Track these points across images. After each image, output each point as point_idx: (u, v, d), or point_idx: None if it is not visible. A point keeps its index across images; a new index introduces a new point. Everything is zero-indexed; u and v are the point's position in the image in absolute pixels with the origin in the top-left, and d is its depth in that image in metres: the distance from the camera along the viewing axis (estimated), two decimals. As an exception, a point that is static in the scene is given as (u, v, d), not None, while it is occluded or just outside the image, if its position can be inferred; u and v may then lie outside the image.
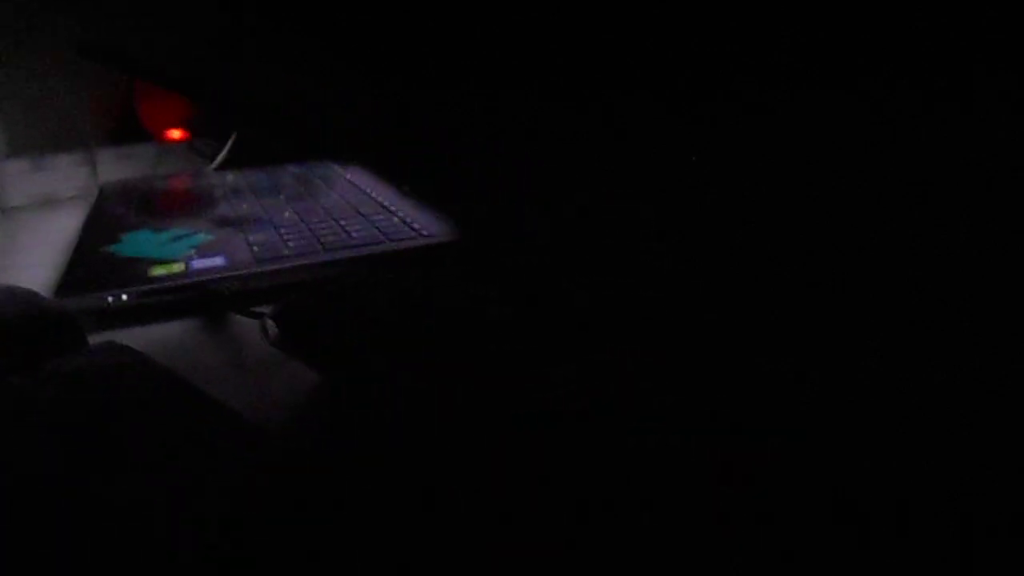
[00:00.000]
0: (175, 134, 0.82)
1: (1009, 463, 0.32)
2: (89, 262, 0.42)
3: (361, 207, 0.53)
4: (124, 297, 0.38)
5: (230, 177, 0.68)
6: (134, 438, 0.24)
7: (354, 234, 0.45)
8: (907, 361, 0.38)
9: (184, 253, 0.43)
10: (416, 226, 0.47)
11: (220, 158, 0.75)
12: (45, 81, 0.73)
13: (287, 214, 0.52)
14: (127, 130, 0.79)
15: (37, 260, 0.51)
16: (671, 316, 0.44)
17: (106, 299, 0.38)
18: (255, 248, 0.44)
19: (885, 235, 0.40)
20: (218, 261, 0.42)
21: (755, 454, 0.34)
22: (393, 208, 0.52)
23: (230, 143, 0.75)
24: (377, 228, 0.47)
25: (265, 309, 0.36)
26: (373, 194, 0.57)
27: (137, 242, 0.46)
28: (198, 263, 0.41)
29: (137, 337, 0.37)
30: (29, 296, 0.32)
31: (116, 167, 0.75)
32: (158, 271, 0.40)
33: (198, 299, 0.39)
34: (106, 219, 0.53)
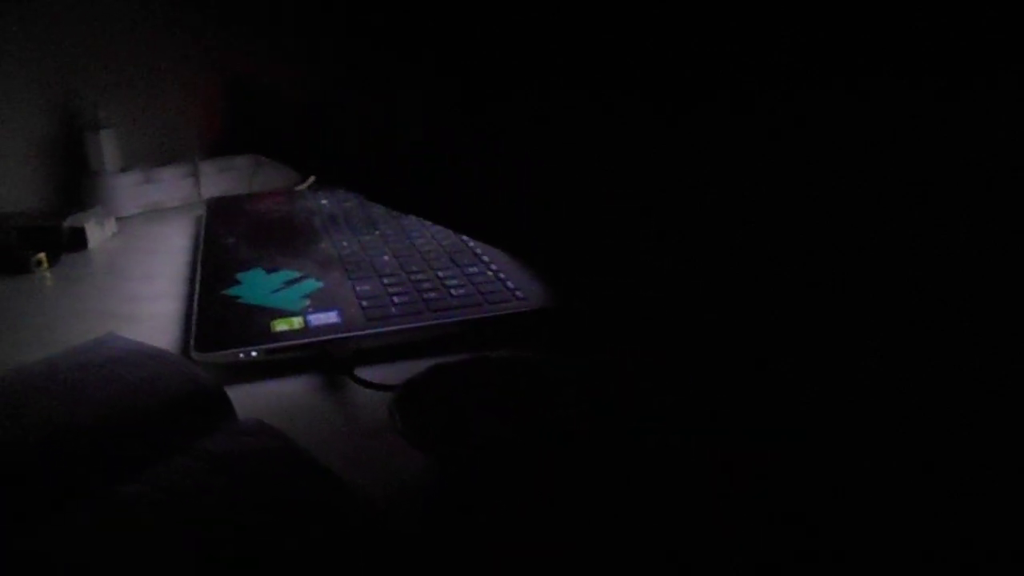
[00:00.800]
0: (269, 145, 0.86)
1: (1009, 463, 0.33)
2: (216, 311, 0.46)
3: (454, 253, 0.56)
4: (254, 354, 0.42)
5: (324, 202, 0.72)
6: (269, 524, 0.28)
7: (454, 292, 0.49)
8: (907, 361, 0.38)
9: (300, 305, 0.47)
10: (511, 284, 0.50)
11: (310, 180, 0.79)
12: (155, 97, 0.77)
13: (387, 258, 0.56)
14: (231, 142, 0.83)
15: (161, 290, 0.56)
16: (671, 316, 0.45)
17: (238, 355, 0.42)
18: (364, 303, 0.47)
19: (885, 235, 0.40)
20: (333, 318, 0.45)
21: (755, 454, 0.36)
22: (485, 258, 0.55)
23: (324, 163, 0.79)
24: (474, 285, 0.50)
25: (381, 379, 0.40)
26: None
27: (253, 285, 0.51)
28: (315, 319, 0.45)
29: (263, 392, 0.41)
30: (184, 367, 0.37)
31: (217, 179, 0.80)
32: (280, 326, 0.44)
33: (317, 359, 0.43)
34: (219, 250, 0.58)
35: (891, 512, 0.32)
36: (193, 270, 0.59)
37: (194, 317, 0.46)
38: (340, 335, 0.43)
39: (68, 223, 0.64)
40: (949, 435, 0.35)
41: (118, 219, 0.72)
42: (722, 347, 0.43)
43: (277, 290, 0.50)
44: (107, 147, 0.73)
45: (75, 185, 0.74)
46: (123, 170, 0.74)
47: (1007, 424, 0.34)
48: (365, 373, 0.41)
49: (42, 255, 0.60)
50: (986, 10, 0.32)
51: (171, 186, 0.77)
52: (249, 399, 0.40)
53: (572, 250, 0.56)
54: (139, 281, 0.58)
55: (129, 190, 0.74)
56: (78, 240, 0.64)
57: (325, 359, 0.42)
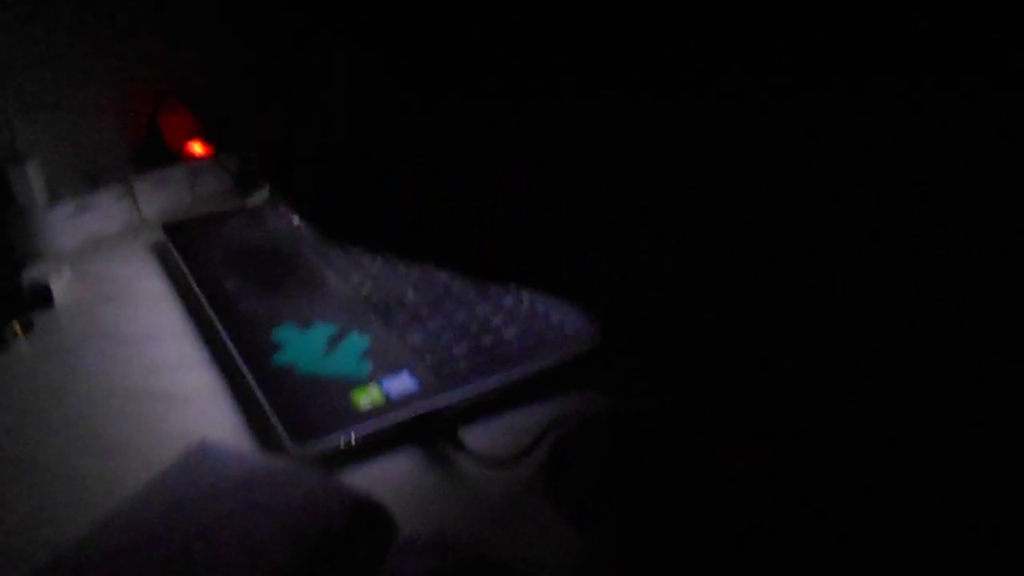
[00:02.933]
0: (197, 149, 0.80)
1: (1009, 462, 0.35)
2: (283, 389, 0.45)
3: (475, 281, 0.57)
4: (352, 437, 0.42)
5: (297, 222, 0.69)
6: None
7: (506, 335, 0.50)
8: (907, 361, 0.40)
9: (363, 369, 0.47)
10: (553, 318, 0.52)
11: (262, 194, 0.75)
12: (74, 116, 0.69)
13: (411, 294, 0.56)
14: (156, 153, 0.76)
15: (178, 354, 0.52)
16: (670, 317, 0.48)
17: (338, 442, 0.42)
18: (428, 359, 0.48)
19: (885, 235, 0.40)
20: (409, 383, 0.46)
21: (754, 455, 0.38)
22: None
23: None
24: (521, 323, 0.51)
25: (477, 446, 0.41)
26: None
27: (298, 348, 0.49)
28: (391, 387, 0.45)
29: (366, 478, 0.42)
30: (329, 483, 0.37)
31: (153, 196, 0.74)
32: (362, 400, 0.44)
33: (415, 432, 0.44)
34: (224, 300, 0.55)
35: (891, 512, 0.34)
36: (203, 325, 0.56)
37: (262, 399, 0.45)
38: (430, 405, 0.44)
39: (28, 280, 0.58)
40: (949, 435, 0.37)
41: (73, 265, 0.65)
42: (721, 347, 0.47)
43: (327, 352, 0.49)
44: (34, 179, 0.65)
45: None
46: (52, 202, 0.67)
47: (1007, 424, 0.36)
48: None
49: (16, 324, 0.54)
50: (986, 11, 0.32)
51: (107, 212, 0.70)
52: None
53: (572, 251, 0.58)
54: (143, 344, 0.54)
55: (63, 224, 0.67)
56: (42, 297, 0.58)
57: (426, 432, 0.43)
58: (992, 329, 0.39)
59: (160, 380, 0.50)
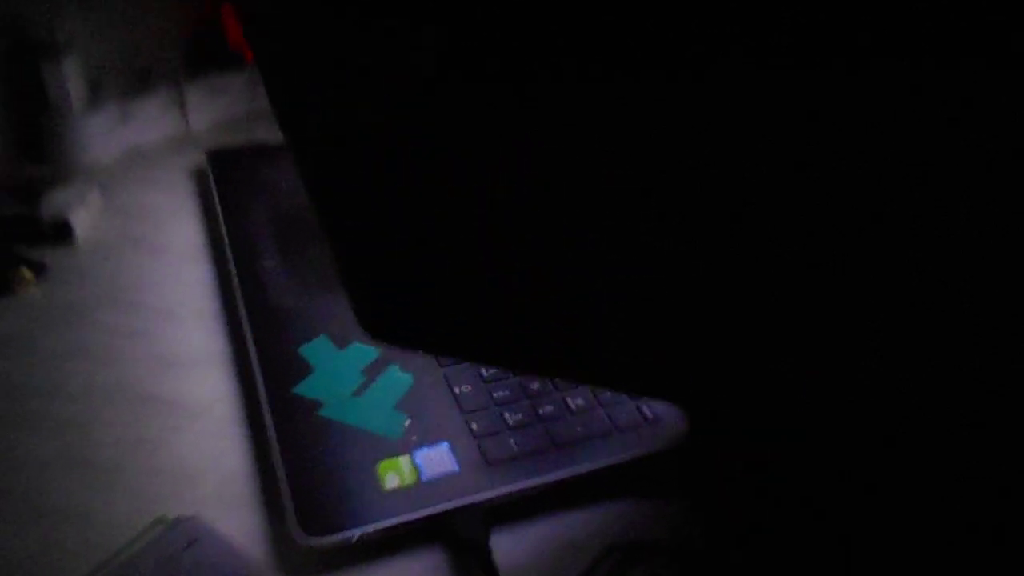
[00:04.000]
0: (263, 51, 0.70)
1: (1009, 462, 0.32)
2: (303, 451, 0.38)
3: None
4: (371, 530, 0.36)
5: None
6: None
7: (572, 406, 0.42)
8: (907, 361, 0.39)
9: (399, 426, 0.40)
10: (633, 401, 0.44)
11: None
12: (122, 11, 0.60)
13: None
14: (215, 53, 0.66)
15: (197, 345, 0.46)
16: (669, 316, 0.44)
17: (353, 538, 0.35)
18: (474, 427, 0.40)
19: (885, 232, 0.41)
20: (448, 461, 0.38)
21: (753, 455, 0.35)
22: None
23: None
24: (595, 397, 0.43)
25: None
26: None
27: (326, 375, 0.42)
28: (427, 464, 0.38)
29: (384, 578, 0.36)
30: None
31: (206, 104, 0.65)
32: (390, 477, 0.37)
33: (441, 532, 0.37)
34: (258, 287, 0.48)
35: (891, 512, 0.31)
36: (229, 307, 0.49)
37: (278, 462, 0.38)
38: (466, 499, 0.37)
39: (49, 213, 0.51)
40: (949, 435, 0.35)
41: (103, 185, 0.58)
42: (720, 347, 0.42)
43: (360, 387, 0.42)
44: (72, 77, 0.56)
45: (29, 129, 0.58)
46: (90, 106, 0.59)
47: (1007, 424, 0.35)
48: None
49: (27, 272, 0.48)
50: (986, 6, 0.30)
51: (152, 121, 0.62)
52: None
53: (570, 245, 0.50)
54: (162, 322, 0.47)
55: (102, 132, 0.59)
56: (63, 232, 0.51)
57: (455, 532, 0.36)
58: (992, 329, 0.35)
59: (171, 382, 0.44)
